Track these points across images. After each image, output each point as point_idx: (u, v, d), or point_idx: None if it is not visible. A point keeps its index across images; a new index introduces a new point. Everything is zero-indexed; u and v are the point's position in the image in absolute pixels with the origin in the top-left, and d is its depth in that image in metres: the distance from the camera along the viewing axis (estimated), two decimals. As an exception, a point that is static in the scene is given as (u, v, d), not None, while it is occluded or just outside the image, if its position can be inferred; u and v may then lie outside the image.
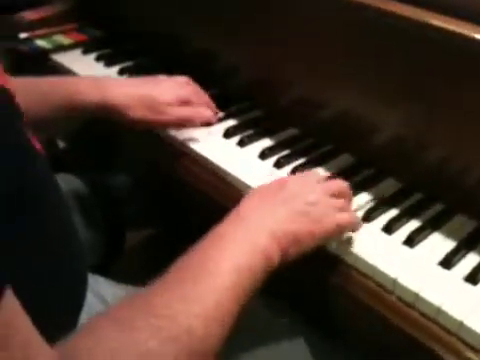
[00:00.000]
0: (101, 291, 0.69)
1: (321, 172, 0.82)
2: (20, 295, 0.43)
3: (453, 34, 0.67)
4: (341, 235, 0.68)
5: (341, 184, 0.70)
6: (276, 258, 0.58)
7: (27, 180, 0.50)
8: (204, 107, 0.88)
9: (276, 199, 0.63)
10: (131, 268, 1.04)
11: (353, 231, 0.69)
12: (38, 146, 0.58)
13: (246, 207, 0.62)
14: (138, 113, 0.82)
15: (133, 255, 1.07)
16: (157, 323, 0.48)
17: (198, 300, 0.51)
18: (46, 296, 0.54)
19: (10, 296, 0.42)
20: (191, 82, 0.91)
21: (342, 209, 0.66)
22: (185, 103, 0.86)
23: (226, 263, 0.55)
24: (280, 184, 0.66)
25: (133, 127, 0.85)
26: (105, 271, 0.92)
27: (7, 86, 0.52)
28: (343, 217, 0.66)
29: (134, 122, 0.83)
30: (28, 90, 0.80)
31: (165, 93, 0.84)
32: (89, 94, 0.82)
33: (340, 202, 0.67)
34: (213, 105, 0.91)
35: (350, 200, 0.70)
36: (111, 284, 0.74)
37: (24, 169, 0.50)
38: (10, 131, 0.49)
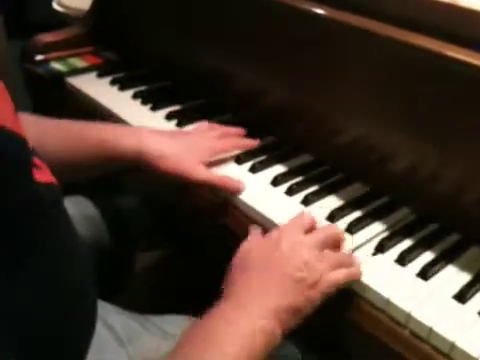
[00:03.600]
0: (109, 320, 0.69)
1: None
2: (30, 331, 0.43)
3: (468, 65, 0.67)
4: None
5: (331, 230, 0.70)
6: (278, 334, 0.60)
7: (31, 229, 0.51)
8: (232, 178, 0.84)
9: (271, 272, 0.63)
10: (141, 290, 1.04)
11: (353, 280, 0.68)
12: (47, 178, 0.57)
13: (243, 285, 0.63)
14: (169, 166, 0.80)
15: (143, 277, 1.07)
16: None
17: None
18: (56, 330, 0.54)
19: None
20: (229, 131, 0.91)
21: (338, 263, 0.66)
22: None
23: (229, 348, 0.55)
24: (272, 246, 0.66)
25: (164, 177, 0.83)
26: (115, 292, 0.92)
27: (18, 130, 0.52)
28: (338, 275, 0.65)
29: (165, 174, 0.81)
30: (62, 133, 0.80)
31: (198, 151, 0.83)
32: (127, 140, 0.80)
33: (333, 258, 0.66)
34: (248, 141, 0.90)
35: (342, 244, 0.70)
36: (119, 312, 0.73)
37: (29, 219, 0.50)
38: (21, 184, 0.50)
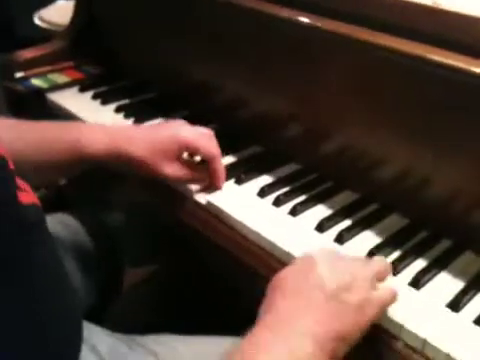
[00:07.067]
0: (95, 343, 0.66)
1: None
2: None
3: (458, 70, 0.65)
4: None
5: (385, 266, 0.65)
6: None
7: (12, 249, 0.49)
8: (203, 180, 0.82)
9: (311, 292, 0.57)
10: (128, 307, 1.02)
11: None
12: (29, 199, 0.56)
13: (282, 308, 0.56)
14: (141, 153, 0.76)
15: (131, 294, 1.05)
16: None
17: None
18: (36, 354, 0.52)
19: None
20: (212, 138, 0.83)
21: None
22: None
23: None
24: (308, 267, 0.59)
25: (136, 170, 0.79)
26: (102, 311, 0.90)
27: None
28: (384, 294, 0.61)
29: (135, 167, 0.78)
30: (28, 136, 0.78)
31: (168, 140, 0.78)
32: (97, 139, 0.77)
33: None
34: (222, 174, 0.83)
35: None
36: (105, 333, 0.71)
37: (8, 239, 0.49)
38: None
